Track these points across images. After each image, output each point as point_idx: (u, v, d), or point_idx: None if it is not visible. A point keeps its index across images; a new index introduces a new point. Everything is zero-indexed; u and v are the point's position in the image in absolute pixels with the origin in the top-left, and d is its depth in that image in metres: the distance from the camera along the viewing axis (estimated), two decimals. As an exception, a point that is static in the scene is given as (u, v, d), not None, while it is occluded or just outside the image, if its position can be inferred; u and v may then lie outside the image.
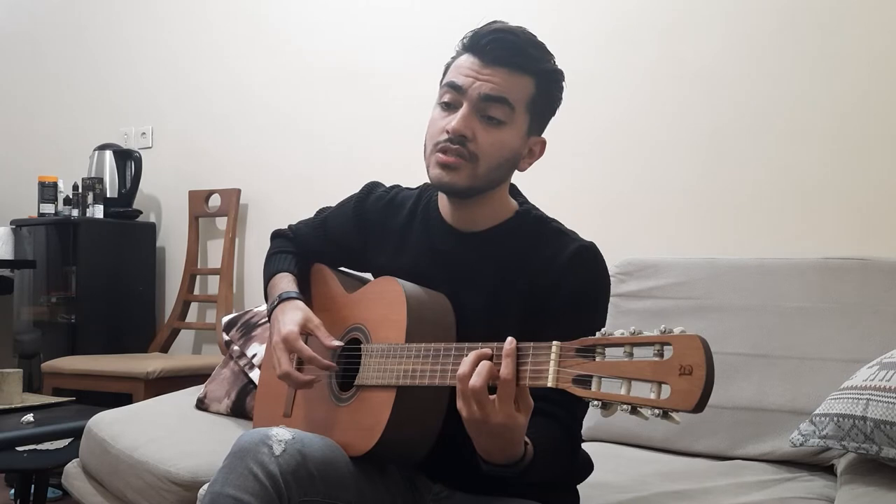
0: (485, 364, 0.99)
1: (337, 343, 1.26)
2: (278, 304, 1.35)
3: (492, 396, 0.98)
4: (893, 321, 1.68)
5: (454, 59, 1.25)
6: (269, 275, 1.47)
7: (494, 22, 1.23)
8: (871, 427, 1.33)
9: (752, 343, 1.79)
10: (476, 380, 0.98)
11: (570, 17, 2.44)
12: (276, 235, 1.56)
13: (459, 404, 1.00)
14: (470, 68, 1.19)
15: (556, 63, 1.24)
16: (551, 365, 0.93)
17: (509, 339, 0.98)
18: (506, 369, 0.97)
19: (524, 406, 0.99)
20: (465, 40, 1.23)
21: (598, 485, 1.39)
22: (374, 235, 1.38)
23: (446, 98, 1.21)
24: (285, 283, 1.41)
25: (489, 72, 1.18)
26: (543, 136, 1.27)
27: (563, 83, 1.24)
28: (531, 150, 1.25)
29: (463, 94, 1.19)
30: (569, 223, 1.28)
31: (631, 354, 0.87)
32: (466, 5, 2.64)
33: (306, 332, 1.28)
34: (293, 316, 1.29)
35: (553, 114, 1.26)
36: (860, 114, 2.00)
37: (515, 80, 1.19)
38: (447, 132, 1.18)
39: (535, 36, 1.22)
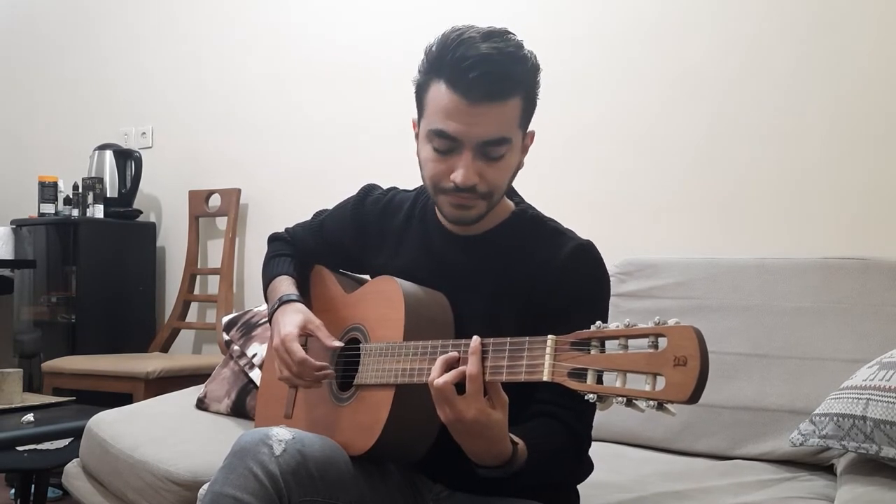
0: (441, 361, 1.02)
1: (337, 343, 1.26)
2: (279, 306, 1.35)
3: (464, 395, 1.00)
4: (893, 321, 1.68)
5: (427, 81, 1.16)
6: (268, 279, 1.47)
7: (463, 39, 1.12)
8: (871, 427, 1.33)
9: (752, 343, 1.79)
10: (438, 380, 1.00)
11: (568, 16, 2.44)
12: (274, 239, 1.56)
13: (437, 408, 1.02)
14: (458, 111, 1.12)
15: (531, 53, 1.16)
16: (546, 359, 0.93)
17: (475, 337, 1.01)
18: (471, 366, 0.99)
19: (498, 402, 1.01)
20: (434, 60, 1.14)
21: (598, 485, 1.39)
22: (371, 238, 1.38)
23: (438, 145, 1.15)
24: (285, 286, 1.41)
25: (479, 112, 1.11)
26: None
27: (540, 70, 1.18)
28: (525, 148, 1.23)
29: (458, 143, 1.14)
30: (569, 223, 1.28)
31: (626, 347, 0.87)
32: (467, 5, 2.64)
33: (306, 334, 1.28)
34: (293, 318, 1.30)
35: (537, 97, 1.20)
36: (860, 113, 2.00)
37: (507, 109, 1.13)
38: (454, 183, 1.15)
39: (510, 41, 1.13)
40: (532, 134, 1.23)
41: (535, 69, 1.17)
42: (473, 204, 1.18)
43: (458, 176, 1.14)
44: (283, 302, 1.35)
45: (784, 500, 1.43)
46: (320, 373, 1.24)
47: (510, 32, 1.16)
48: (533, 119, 1.21)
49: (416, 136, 1.23)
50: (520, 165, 1.23)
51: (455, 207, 1.19)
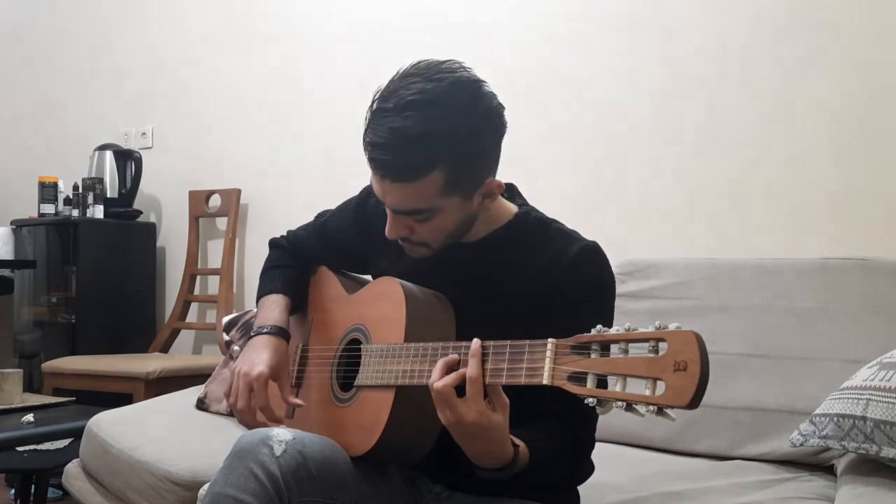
0: (442, 363, 1.03)
1: (295, 402, 1.28)
2: (264, 333, 1.35)
3: (464, 398, 1.00)
4: (893, 321, 1.68)
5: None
6: (260, 293, 1.47)
7: (379, 108, 1.11)
8: (871, 427, 1.33)
9: (752, 343, 1.79)
10: (439, 382, 1.01)
11: (561, 13, 2.43)
12: (273, 245, 1.55)
13: (438, 411, 1.03)
14: (374, 178, 1.14)
15: (467, 115, 1.09)
16: (547, 362, 0.93)
17: (475, 339, 1.02)
18: (471, 368, 1.00)
19: (499, 404, 1.01)
20: (364, 127, 1.13)
21: (598, 485, 1.39)
22: (374, 239, 1.37)
23: None
24: (273, 310, 1.40)
25: (388, 186, 1.12)
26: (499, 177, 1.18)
27: (491, 119, 1.12)
28: (484, 200, 1.18)
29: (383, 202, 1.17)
30: (569, 224, 1.28)
31: (626, 351, 0.87)
32: (467, 8, 2.63)
33: (275, 379, 1.29)
34: (269, 358, 1.30)
35: (489, 157, 1.15)
36: (860, 114, 2.00)
37: (417, 187, 1.10)
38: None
39: (433, 110, 1.07)
40: (496, 183, 1.17)
41: (465, 133, 1.09)
42: (413, 248, 1.21)
43: (385, 228, 1.19)
44: (269, 333, 1.35)
45: (784, 501, 1.43)
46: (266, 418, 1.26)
47: (450, 93, 1.09)
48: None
49: None
50: (476, 214, 1.20)
51: (406, 249, 1.23)
